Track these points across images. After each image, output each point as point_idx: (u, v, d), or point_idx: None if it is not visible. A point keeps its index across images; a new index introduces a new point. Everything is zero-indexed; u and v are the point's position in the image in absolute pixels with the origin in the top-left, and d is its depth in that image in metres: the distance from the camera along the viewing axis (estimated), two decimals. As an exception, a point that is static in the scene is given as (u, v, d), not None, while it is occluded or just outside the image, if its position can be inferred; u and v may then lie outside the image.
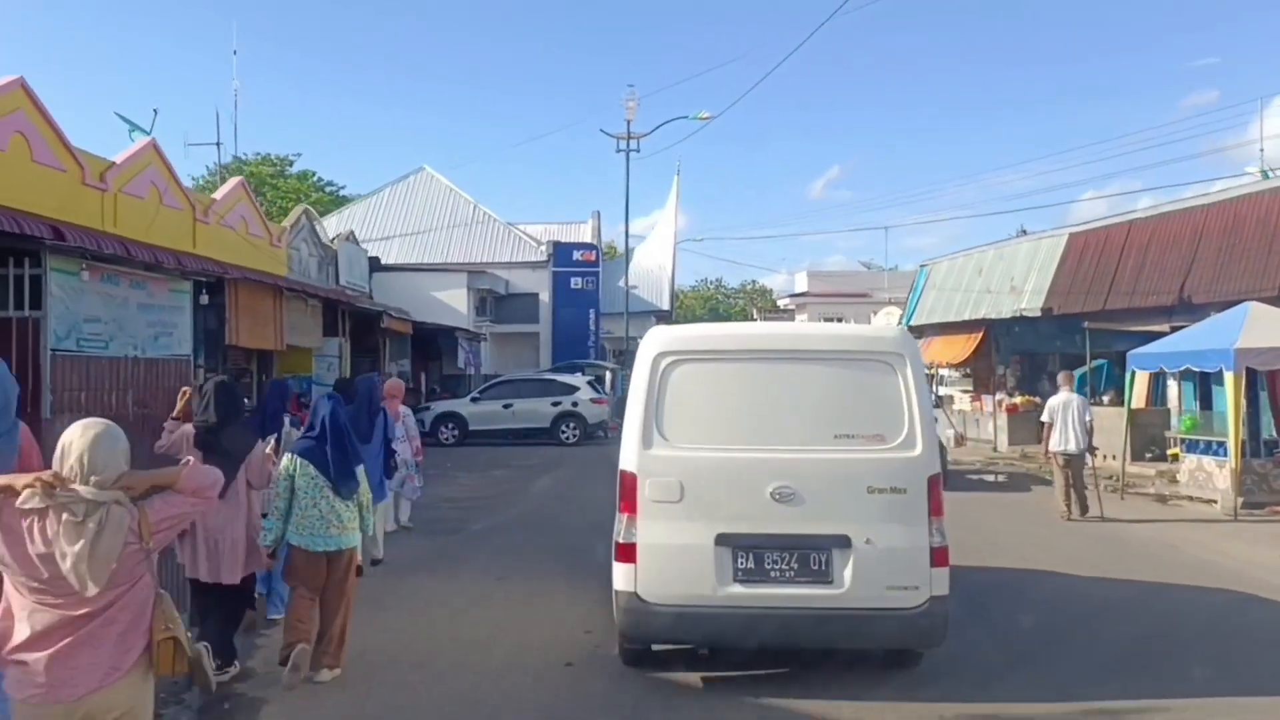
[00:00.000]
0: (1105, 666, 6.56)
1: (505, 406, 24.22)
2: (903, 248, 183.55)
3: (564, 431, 24.26)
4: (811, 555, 5.61)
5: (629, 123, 33.14)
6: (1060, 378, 13.14)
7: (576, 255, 35.30)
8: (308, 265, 25.94)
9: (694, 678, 6.11)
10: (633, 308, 44.11)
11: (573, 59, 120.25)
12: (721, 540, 5.62)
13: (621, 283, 35.02)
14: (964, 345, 24.79)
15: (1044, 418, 12.78)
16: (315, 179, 48.95)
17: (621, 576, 5.72)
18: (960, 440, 20.71)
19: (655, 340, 6.09)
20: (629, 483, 5.74)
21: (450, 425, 24.13)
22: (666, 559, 5.65)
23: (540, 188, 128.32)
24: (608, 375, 30.03)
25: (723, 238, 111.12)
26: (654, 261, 47.16)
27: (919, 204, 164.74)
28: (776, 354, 6.04)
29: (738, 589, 5.60)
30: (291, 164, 48.25)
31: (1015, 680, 6.26)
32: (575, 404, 24.30)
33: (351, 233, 29.93)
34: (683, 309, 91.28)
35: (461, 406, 24.33)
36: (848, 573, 5.58)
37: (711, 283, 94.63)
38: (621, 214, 36.78)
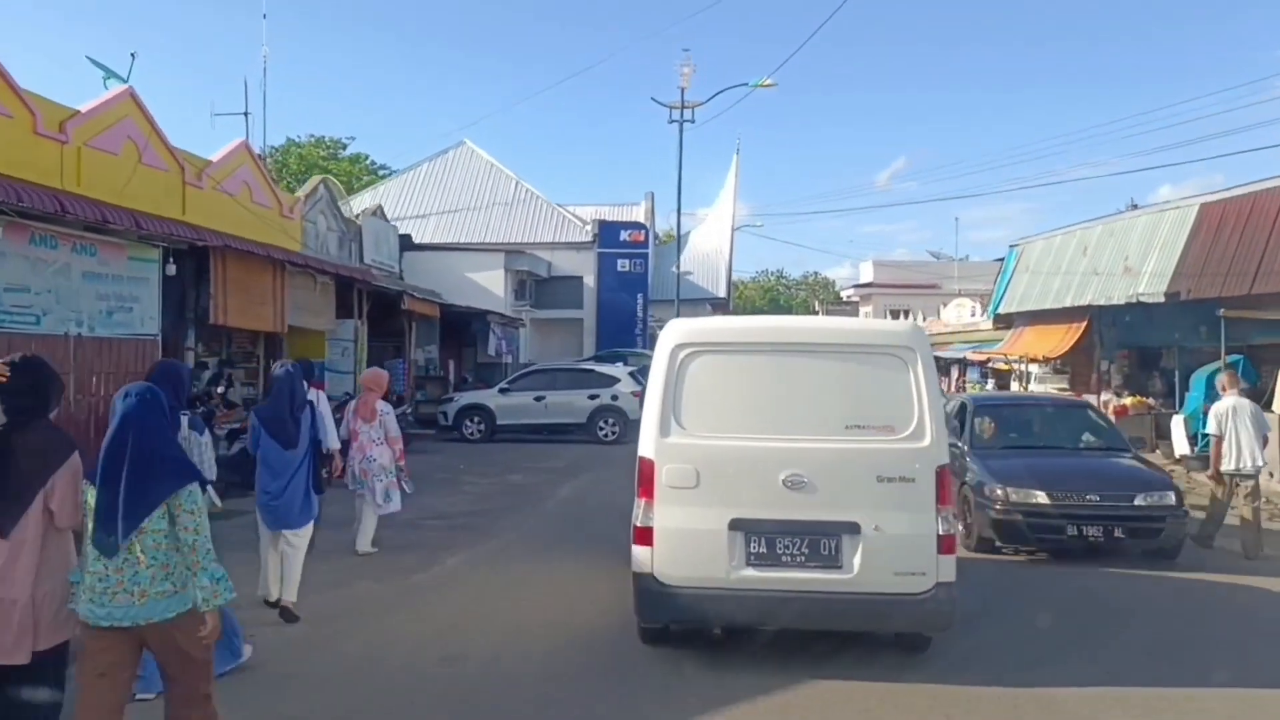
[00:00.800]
0: None
1: (537, 399, 21.84)
2: (969, 241, 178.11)
3: (602, 428, 21.81)
4: (822, 541, 5.77)
5: (683, 90, 30.50)
6: (1223, 379, 10.32)
7: (624, 235, 32.74)
8: (326, 240, 23.80)
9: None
10: (686, 294, 41.58)
11: (625, 36, 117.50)
12: (735, 525, 5.80)
13: (675, 268, 32.45)
14: (1063, 336, 21.70)
15: (1211, 429, 9.95)
16: (368, 161, 47.17)
17: (639, 559, 5.89)
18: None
19: (673, 332, 6.21)
20: (647, 469, 5.92)
21: (476, 419, 21.82)
22: (682, 542, 5.83)
23: (592, 171, 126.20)
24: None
25: (785, 213, 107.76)
26: (710, 245, 44.52)
27: (986, 196, 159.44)
28: (791, 347, 6.17)
29: (750, 572, 5.78)
30: (345, 147, 46.50)
31: None
32: (615, 397, 21.83)
33: (380, 207, 27.76)
34: (741, 299, 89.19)
35: (488, 398, 22.00)
36: (857, 558, 5.74)
37: (772, 274, 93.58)
38: (677, 199, 34.53)
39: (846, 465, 5.84)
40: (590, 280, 32.58)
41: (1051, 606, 7.82)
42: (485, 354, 26.51)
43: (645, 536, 5.85)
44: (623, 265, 32.51)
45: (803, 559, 5.77)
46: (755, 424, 5.93)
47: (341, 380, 21.33)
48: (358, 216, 26.23)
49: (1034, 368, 25.34)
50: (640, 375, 27.69)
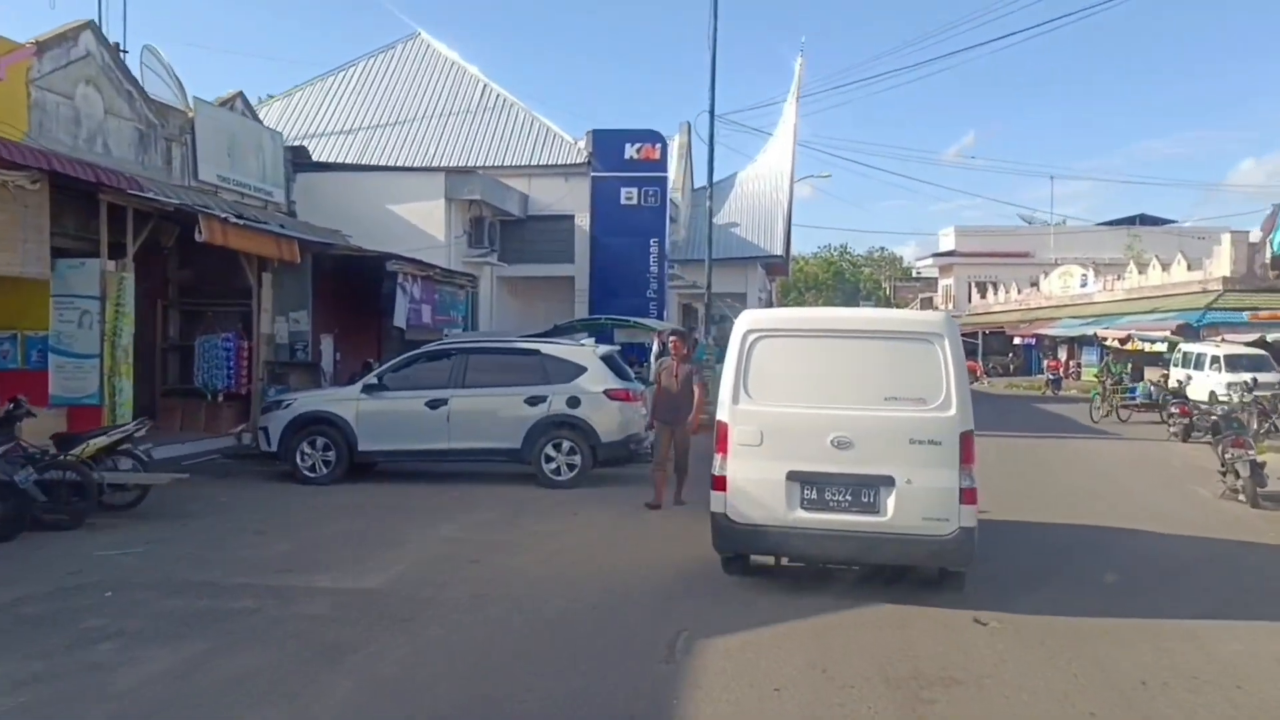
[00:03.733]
0: None
1: (432, 405, 11.99)
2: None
3: (551, 458, 11.92)
4: (863, 490, 6.85)
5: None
6: None
7: (630, 151, 22.20)
8: (102, 134, 14.17)
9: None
10: (731, 251, 31.29)
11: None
12: (792, 476, 6.93)
13: (707, 203, 22.27)
14: None
15: None
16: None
17: (715, 501, 7.14)
18: None
19: (744, 321, 7.45)
20: (722, 430, 7.13)
21: (318, 442, 12.01)
22: (748, 489, 7.02)
23: (606, 97, 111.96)
24: (654, 343, 17.28)
25: (856, 158, 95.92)
26: (762, 190, 34.09)
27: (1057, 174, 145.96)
28: (841, 333, 7.34)
29: (803, 514, 6.92)
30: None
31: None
32: (576, 401, 11.94)
33: (239, 96, 17.93)
34: (801, 274, 79.01)
35: (343, 403, 12.15)
36: (891, 505, 6.80)
37: (835, 248, 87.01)
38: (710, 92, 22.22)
39: (884, 429, 6.87)
40: (584, 220, 22.44)
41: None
42: (406, 326, 16.65)
43: (720, 483, 7.09)
44: (628, 196, 22.06)
45: (847, 504, 6.87)
46: (809, 395, 7.06)
47: (79, 373, 11.84)
48: (190, 106, 16.43)
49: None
50: (640, 353, 17.58)
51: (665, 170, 22.87)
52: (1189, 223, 61.82)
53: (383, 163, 23.53)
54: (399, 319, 16.18)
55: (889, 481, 6.76)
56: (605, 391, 11.94)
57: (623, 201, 22.32)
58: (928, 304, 72.29)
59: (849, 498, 6.83)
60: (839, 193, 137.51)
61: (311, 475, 11.95)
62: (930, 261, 71.65)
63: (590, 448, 11.93)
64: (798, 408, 7.01)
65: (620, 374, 12.60)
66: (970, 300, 64.47)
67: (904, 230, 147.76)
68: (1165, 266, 41.43)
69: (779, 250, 32.15)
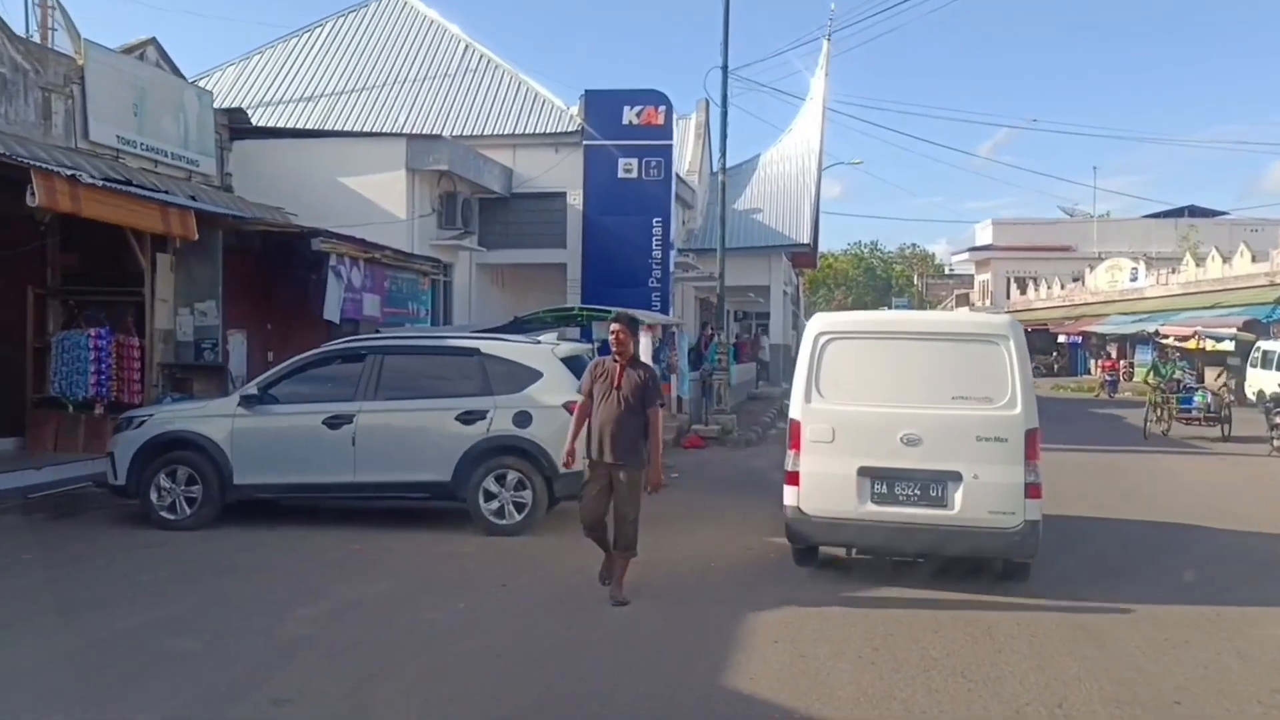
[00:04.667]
0: None
1: (334, 423, 8.89)
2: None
3: (492, 496, 8.81)
4: (931, 485, 7.02)
5: None
6: None
7: (629, 115, 18.70)
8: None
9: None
10: (756, 240, 28.09)
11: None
12: (862, 471, 7.09)
13: (720, 177, 19.09)
14: None
15: None
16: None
17: (789, 495, 7.29)
18: None
19: (815, 324, 7.61)
20: (795, 428, 7.32)
21: (182, 474, 8.95)
22: (821, 483, 7.18)
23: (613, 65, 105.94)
24: (645, 338, 13.94)
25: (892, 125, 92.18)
26: (788, 173, 30.83)
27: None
28: (909, 335, 7.57)
29: (873, 507, 7.08)
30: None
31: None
32: (523, 418, 8.85)
33: (151, 42, 14.93)
34: (831, 271, 75.85)
35: (212, 421, 9.07)
36: (958, 499, 6.96)
37: (865, 245, 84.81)
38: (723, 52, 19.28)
39: (952, 427, 7.05)
40: (577, 198, 19.19)
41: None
42: (340, 319, 13.56)
43: (794, 479, 7.25)
44: (627, 167, 18.65)
45: (915, 498, 7.03)
46: (879, 394, 7.24)
47: None
48: (78, 52, 13.46)
49: None
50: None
51: (670, 138, 19.46)
52: (1234, 214, 57.89)
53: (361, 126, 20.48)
54: (330, 311, 13.08)
55: (956, 477, 6.97)
56: (566, 405, 8.71)
57: (620, 174, 18.97)
58: (963, 301, 68.61)
59: (918, 492, 7.05)
60: (870, 180, 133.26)
61: (170, 517, 8.91)
62: (966, 256, 67.86)
63: (545, 480, 8.82)
64: (868, 406, 7.24)
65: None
66: (1009, 297, 60.89)
67: (941, 219, 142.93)
68: (1226, 259, 37.94)
69: (805, 238, 28.80)
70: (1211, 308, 35.53)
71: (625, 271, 18.81)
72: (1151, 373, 22.08)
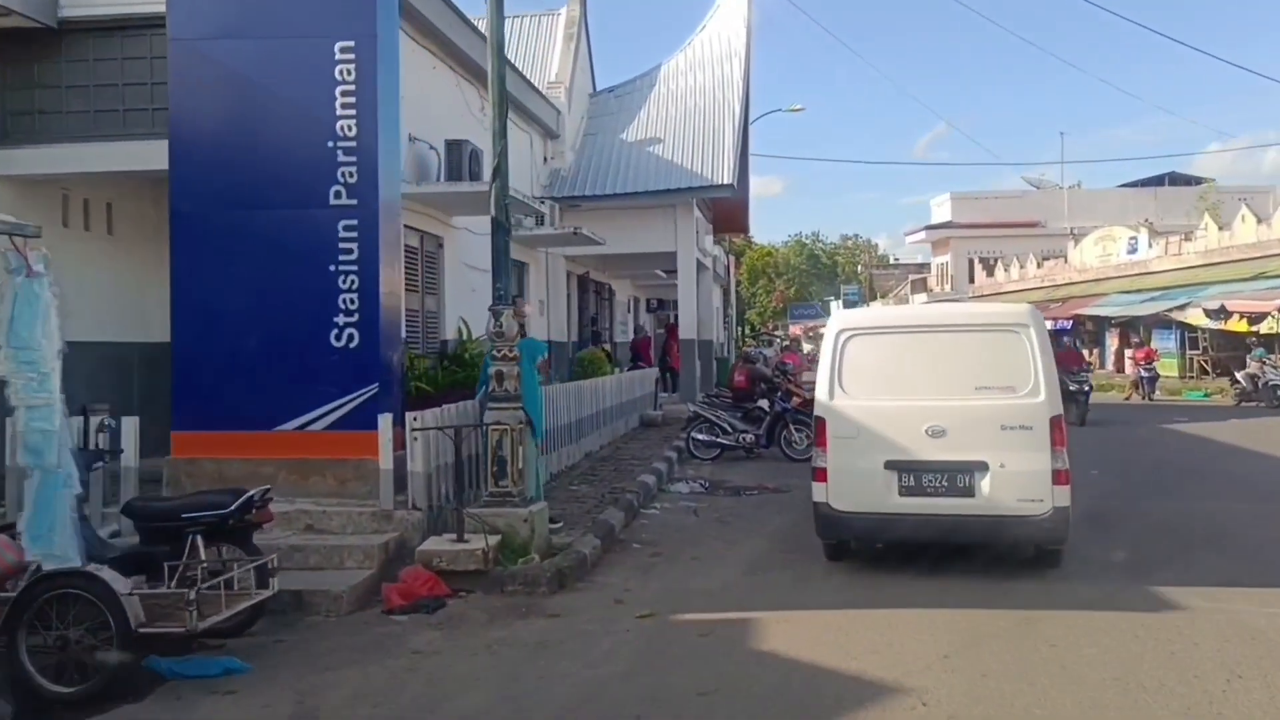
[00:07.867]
0: None
1: None
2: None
3: None
4: (958, 475, 7.26)
5: None
6: None
7: None
8: None
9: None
10: (651, 183, 19.79)
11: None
12: (889, 465, 7.39)
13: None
14: None
15: None
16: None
17: (818, 492, 7.59)
18: None
19: (837, 320, 8.10)
20: (820, 425, 7.69)
21: None
22: (848, 479, 7.48)
23: None
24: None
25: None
26: (703, 82, 22.28)
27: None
28: (931, 328, 8.05)
29: (901, 500, 7.38)
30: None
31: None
32: None
33: None
34: (769, 259, 69.37)
35: None
36: (986, 488, 7.20)
37: (807, 235, 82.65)
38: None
39: (976, 417, 7.30)
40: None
41: None
42: None
43: (821, 475, 7.55)
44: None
45: (943, 489, 7.28)
46: (902, 388, 7.57)
47: None
48: None
49: None
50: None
51: None
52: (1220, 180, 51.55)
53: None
54: None
55: (983, 467, 7.19)
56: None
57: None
58: (920, 286, 61.51)
59: (945, 483, 7.27)
60: (813, 173, 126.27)
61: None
62: (922, 236, 60.44)
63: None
64: (892, 400, 7.57)
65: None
66: (973, 280, 53.82)
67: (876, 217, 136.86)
68: (1262, 220, 30.91)
69: (727, 178, 19.63)
70: (1254, 278, 28.40)
71: (273, 174, 8.42)
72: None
